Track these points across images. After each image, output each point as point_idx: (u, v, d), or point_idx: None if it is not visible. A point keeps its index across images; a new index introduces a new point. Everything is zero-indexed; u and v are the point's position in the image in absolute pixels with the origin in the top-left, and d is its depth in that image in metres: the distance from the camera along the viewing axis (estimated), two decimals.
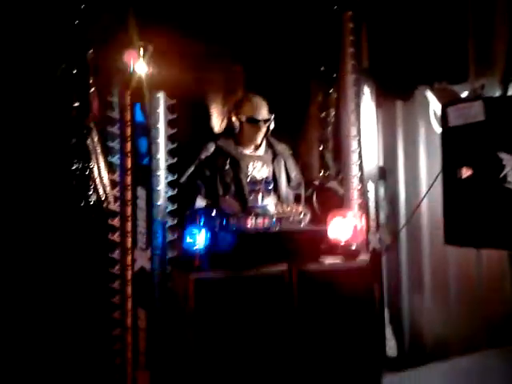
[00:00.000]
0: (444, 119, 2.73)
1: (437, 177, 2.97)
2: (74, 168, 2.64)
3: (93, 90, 2.59)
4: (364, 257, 2.72)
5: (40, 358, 2.34)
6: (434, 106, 3.21)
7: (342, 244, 2.67)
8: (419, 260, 3.26)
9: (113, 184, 2.54)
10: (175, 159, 2.62)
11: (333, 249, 2.65)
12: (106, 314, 2.38)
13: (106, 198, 2.62)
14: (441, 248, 3.03)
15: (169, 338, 2.40)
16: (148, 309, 2.41)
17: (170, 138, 2.63)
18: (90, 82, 2.57)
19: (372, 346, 2.59)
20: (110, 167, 2.57)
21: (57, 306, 2.40)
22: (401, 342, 3.23)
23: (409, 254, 3.35)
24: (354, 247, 2.69)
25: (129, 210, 2.50)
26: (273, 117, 2.95)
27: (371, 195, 3.13)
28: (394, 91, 3.46)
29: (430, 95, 3.25)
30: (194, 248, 2.38)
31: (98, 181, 2.65)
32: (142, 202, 2.52)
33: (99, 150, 2.66)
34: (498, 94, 2.81)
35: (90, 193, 2.67)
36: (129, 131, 2.54)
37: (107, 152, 2.58)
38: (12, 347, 2.33)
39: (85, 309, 2.41)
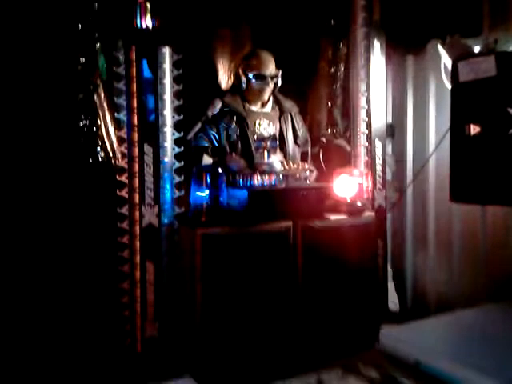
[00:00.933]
0: (455, 74, 2.68)
1: (445, 134, 2.94)
2: (81, 125, 2.64)
3: (98, 45, 2.56)
4: (369, 214, 2.75)
5: (50, 311, 2.43)
6: (446, 60, 3.13)
7: (348, 201, 2.69)
8: (424, 217, 3.27)
9: (120, 140, 2.56)
10: (181, 116, 2.61)
11: (338, 206, 2.67)
12: (115, 267, 2.45)
13: (114, 154, 2.64)
14: (446, 205, 3.03)
15: (176, 291, 2.47)
16: (156, 263, 2.47)
17: (177, 95, 2.62)
18: (96, 37, 2.53)
19: (373, 300, 2.66)
20: (117, 124, 2.58)
21: (66, 259, 2.47)
22: (403, 298, 3.29)
23: (414, 212, 3.36)
24: (359, 204, 2.71)
25: (136, 166, 2.52)
26: (280, 73, 2.91)
27: (378, 152, 3.11)
28: (405, 45, 3.38)
29: (441, 49, 3.16)
30: (201, 204, 2.41)
31: (105, 137, 2.66)
32: (149, 159, 2.53)
33: (106, 107, 2.65)
34: (511, 48, 2.73)
35: (98, 149, 2.69)
36: (135, 87, 2.53)
37: (114, 108, 2.57)
38: (24, 299, 2.42)
39: (94, 263, 2.49)
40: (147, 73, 2.59)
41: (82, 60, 2.57)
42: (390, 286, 3.20)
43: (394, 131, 3.47)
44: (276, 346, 2.32)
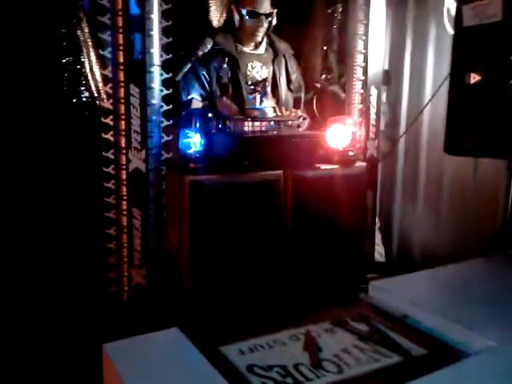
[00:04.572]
0: (458, 19, 2.57)
1: (443, 82, 2.85)
2: (64, 61, 2.51)
3: None
4: (361, 164, 2.70)
5: (35, 256, 2.39)
6: (449, 3, 2.99)
7: (340, 151, 2.63)
8: (415, 169, 3.23)
9: (105, 80, 2.43)
10: (170, 55, 2.48)
11: (330, 155, 2.61)
12: (101, 213, 2.40)
13: (99, 94, 2.52)
14: (438, 158, 3.00)
15: (164, 239, 2.44)
16: (143, 209, 2.42)
17: (165, 32, 2.47)
18: None
19: (361, 251, 2.65)
20: (102, 61, 2.44)
21: (49, 203, 2.41)
22: (389, 250, 3.32)
23: (405, 163, 3.32)
24: (351, 154, 2.65)
25: (122, 107, 2.41)
26: (275, 11, 2.76)
27: (373, 100, 3.03)
28: None
29: None
30: (190, 150, 2.33)
31: (89, 76, 2.54)
32: (135, 100, 2.42)
33: (90, 43, 2.51)
34: None
35: (82, 88, 2.57)
36: (120, 22, 2.37)
37: (98, 45, 2.43)
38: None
39: (79, 208, 2.43)
40: (134, 6, 2.43)
41: None
42: (377, 237, 3.22)
43: (389, 78, 3.36)
44: (264, 299, 2.32)
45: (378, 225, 3.26)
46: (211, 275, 2.25)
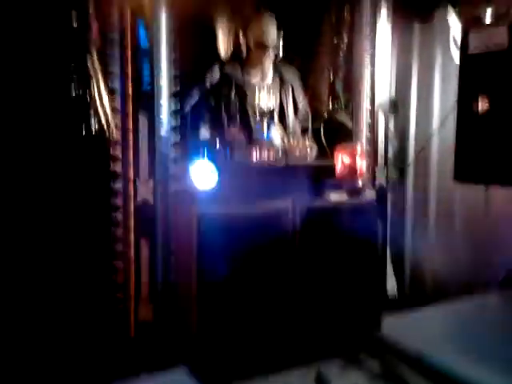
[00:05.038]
0: (464, 46, 2.58)
1: (450, 110, 2.85)
2: (74, 94, 2.53)
3: (92, 10, 2.42)
4: (370, 193, 2.68)
5: (40, 289, 2.37)
6: (455, 31, 3.01)
7: (349, 180, 2.62)
8: (425, 198, 3.20)
9: (114, 111, 2.45)
10: (178, 87, 2.50)
11: (339, 184, 2.60)
12: (108, 245, 2.38)
13: (108, 126, 2.53)
14: (448, 186, 2.97)
15: (172, 272, 2.41)
16: (151, 241, 2.40)
17: (173, 63, 2.50)
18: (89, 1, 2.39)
19: (373, 284, 2.61)
20: (111, 93, 2.46)
21: (57, 236, 2.39)
22: (401, 281, 3.25)
23: (415, 192, 3.29)
24: (360, 183, 2.64)
25: (131, 138, 2.42)
26: (282, 43, 2.79)
27: (381, 129, 3.02)
28: (413, 12, 3.23)
29: (451, 18, 3.03)
30: (198, 181, 2.33)
31: (99, 108, 2.55)
32: (144, 131, 2.43)
33: (100, 75, 2.53)
34: None
35: (92, 121, 2.58)
36: (129, 54, 2.40)
37: (108, 77, 2.45)
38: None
39: (86, 240, 2.41)
40: (142, 40, 2.46)
41: (75, 25, 2.43)
42: (389, 268, 3.15)
43: (396, 106, 3.36)
44: (275, 337, 2.27)
45: (389, 256, 3.20)
46: (219, 311, 2.21)
